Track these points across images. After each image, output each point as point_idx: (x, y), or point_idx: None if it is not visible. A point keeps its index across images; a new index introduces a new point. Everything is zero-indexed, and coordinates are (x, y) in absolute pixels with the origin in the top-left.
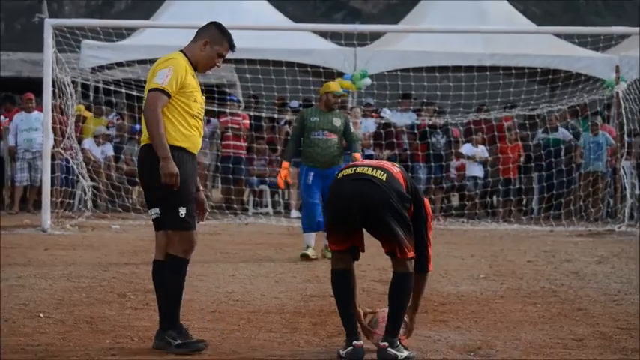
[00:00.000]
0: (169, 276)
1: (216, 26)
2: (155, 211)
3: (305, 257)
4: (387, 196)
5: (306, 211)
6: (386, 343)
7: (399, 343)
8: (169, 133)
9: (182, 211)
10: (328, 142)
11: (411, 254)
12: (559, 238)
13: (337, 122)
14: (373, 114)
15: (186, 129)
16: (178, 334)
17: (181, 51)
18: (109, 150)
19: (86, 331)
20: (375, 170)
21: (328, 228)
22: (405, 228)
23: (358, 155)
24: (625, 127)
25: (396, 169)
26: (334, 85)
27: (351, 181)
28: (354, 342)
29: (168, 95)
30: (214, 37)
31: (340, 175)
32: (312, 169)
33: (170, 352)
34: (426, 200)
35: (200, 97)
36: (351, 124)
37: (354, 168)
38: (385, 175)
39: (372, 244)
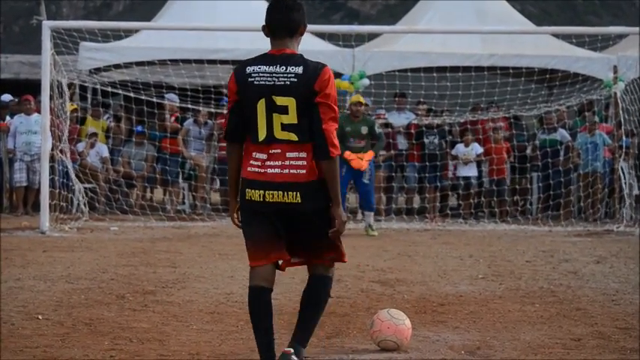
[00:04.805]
0: None
1: None
2: None
3: None
4: (307, 209)
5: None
6: (291, 350)
7: (306, 355)
8: None
9: None
10: (358, 146)
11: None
12: (557, 238)
13: (364, 130)
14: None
15: None
16: None
17: None
18: (103, 151)
19: (85, 333)
20: (285, 195)
21: (248, 243)
22: (325, 236)
23: (366, 156)
24: (623, 128)
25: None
26: (355, 98)
27: (263, 208)
28: None
29: None
30: None
31: (248, 198)
32: (345, 164)
33: None
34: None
35: None
36: (376, 125)
37: (262, 192)
38: (298, 194)
39: (371, 245)
